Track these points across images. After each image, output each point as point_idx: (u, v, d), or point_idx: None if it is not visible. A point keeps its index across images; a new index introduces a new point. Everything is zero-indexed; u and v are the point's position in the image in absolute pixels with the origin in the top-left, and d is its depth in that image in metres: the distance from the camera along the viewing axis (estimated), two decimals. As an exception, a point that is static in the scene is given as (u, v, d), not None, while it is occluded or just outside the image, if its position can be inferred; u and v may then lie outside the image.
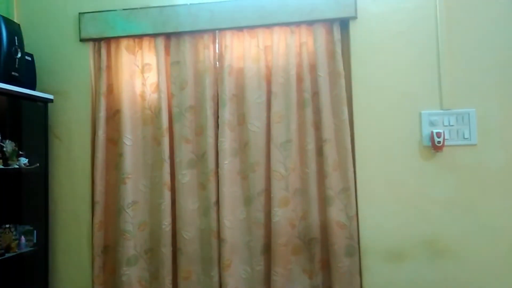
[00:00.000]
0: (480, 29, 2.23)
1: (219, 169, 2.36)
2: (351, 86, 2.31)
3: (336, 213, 2.25)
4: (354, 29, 2.31)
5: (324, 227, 2.28)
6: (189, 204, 2.38)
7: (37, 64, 2.48)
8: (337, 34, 2.31)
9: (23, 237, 2.29)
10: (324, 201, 2.29)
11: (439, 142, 2.16)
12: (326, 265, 2.28)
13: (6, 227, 2.23)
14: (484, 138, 2.19)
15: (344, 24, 2.34)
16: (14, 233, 2.26)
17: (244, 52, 2.40)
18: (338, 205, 2.26)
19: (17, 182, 2.39)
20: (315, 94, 2.34)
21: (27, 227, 2.34)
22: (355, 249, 2.24)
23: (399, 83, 2.27)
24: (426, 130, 2.22)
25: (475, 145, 2.19)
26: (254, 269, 2.33)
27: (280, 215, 2.28)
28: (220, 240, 2.32)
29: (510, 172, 2.17)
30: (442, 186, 2.21)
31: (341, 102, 2.28)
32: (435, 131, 2.18)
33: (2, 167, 2.19)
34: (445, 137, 2.18)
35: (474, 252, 2.17)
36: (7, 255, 2.18)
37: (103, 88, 2.47)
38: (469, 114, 2.20)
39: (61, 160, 2.50)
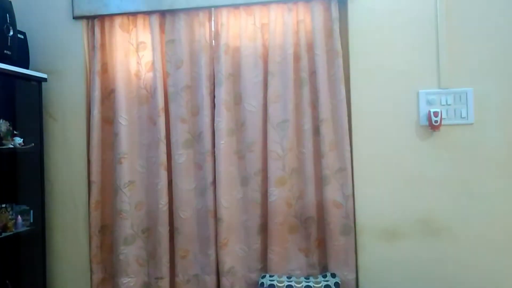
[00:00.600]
0: (480, 8, 2.19)
1: (215, 149, 2.35)
2: (349, 65, 2.29)
3: (332, 193, 2.26)
4: (352, 7, 2.27)
5: (321, 206, 2.29)
6: (185, 184, 2.38)
7: (29, 43, 2.44)
8: (335, 12, 2.27)
9: (19, 217, 2.29)
10: (320, 181, 2.29)
11: (436, 121, 2.16)
12: (322, 244, 2.31)
13: (2, 207, 2.23)
14: (481, 117, 2.18)
15: (342, 1, 2.30)
16: (11, 212, 2.27)
17: (240, 30, 2.36)
18: (334, 184, 2.27)
19: (12, 162, 2.38)
20: (313, 73, 2.31)
21: (24, 207, 2.35)
22: (351, 228, 2.25)
23: (397, 62, 2.25)
24: (424, 110, 2.22)
25: (472, 124, 2.19)
26: (250, 247, 2.35)
27: (277, 194, 2.29)
28: (217, 219, 2.32)
29: (506, 151, 2.17)
30: (439, 165, 2.21)
31: (339, 81, 2.26)
32: (432, 110, 2.17)
33: (-3, 146, 2.18)
34: (442, 117, 2.17)
35: (469, 231, 2.19)
36: (3, 234, 2.18)
37: (97, 67, 2.43)
38: (466, 93, 2.19)
39: (56, 140, 2.48)
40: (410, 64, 2.24)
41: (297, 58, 2.32)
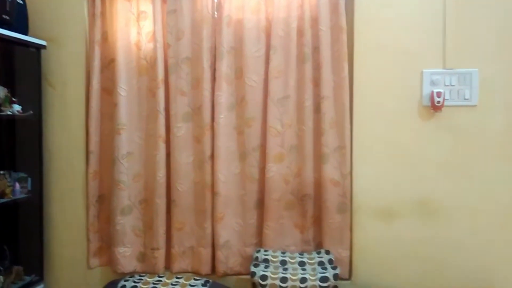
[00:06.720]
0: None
1: (214, 123, 2.33)
2: (353, 41, 2.24)
3: (330, 171, 2.26)
4: (359, -19, 2.22)
5: (318, 184, 2.30)
6: (184, 157, 2.37)
7: (29, 8, 2.39)
8: (341, -15, 2.22)
9: (17, 184, 2.29)
10: (319, 158, 2.28)
11: (438, 102, 2.13)
12: (318, 221, 2.32)
13: (0, 173, 2.23)
14: (485, 99, 2.15)
15: (349, -25, 2.24)
16: (9, 179, 2.27)
17: (243, 2, 2.31)
18: (332, 162, 2.26)
19: (10, 129, 2.37)
20: (316, 49, 2.28)
21: (22, 174, 2.35)
22: (347, 206, 2.26)
23: (403, 40, 2.21)
24: (427, 90, 2.18)
25: (475, 106, 2.16)
26: (246, 222, 2.36)
27: (275, 170, 2.29)
28: (214, 193, 2.33)
29: (508, 134, 2.15)
30: (439, 146, 2.19)
31: (342, 58, 2.23)
32: (435, 90, 2.14)
33: (-5, 113, 2.17)
34: (445, 97, 2.14)
35: (465, 214, 2.19)
36: (1, 201, 2.19)
37: (98, 36, 2.39)
38: (471, 74, 2.15)
39: (55, 109, 2.46)
40: (416, 43, 2.20)
41: (300, 32, 2.28)
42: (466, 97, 2.16)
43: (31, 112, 2.34)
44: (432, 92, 2.14)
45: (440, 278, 2.21)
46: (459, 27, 2.16)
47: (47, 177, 2.45)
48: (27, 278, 2.31)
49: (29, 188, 2.36)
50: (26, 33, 2.34)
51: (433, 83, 2.18)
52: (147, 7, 2.38)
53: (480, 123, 2.16)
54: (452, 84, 2.16)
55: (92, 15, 2.42)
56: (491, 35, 2.15)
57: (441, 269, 2.21)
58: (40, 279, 2.39)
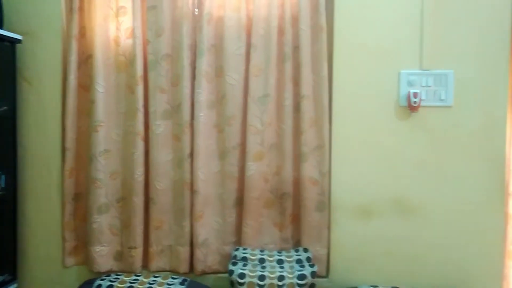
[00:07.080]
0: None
1: (194, 121, 2.32)
2: (333, 41, 2.26)
3: (309, 169, 2.27)
4: (339, -19, 2.24)
5: (297, 182, 2.31)
6: (162, 155, 2.35)
7: (4, 1, 2.33)
8: (321, -15, 2.23)
9: (-10, 181, 2.24)
10: (298, 157, 2.29)
11: (415, 102, 2.16)
12: (297, 219, 2.33)
13: (-28, 170, 2.17)
14: (460, 100, 2.20)
15: (329, -26, 2.26)
16: (-19, 176, 2.22)
17: (224, 0, 2.30)
18: (311, 161, 2.27)
19: (-17, 125, 2.31)
20: (296, 48, 2.28)
21: (-5, 171, 2.29)
22: (325, 205, 2.27)
23: (381, 41, 2.23)
24: (404, 90, 2.22)
25: (450, 106, 2.20)
26: (225, 220, 2.35)
27: (254, 169, 2.29)
28: (193, 191, 2.31)
29: (482, 134, 2.20)
30: (415, 146, 2.23)
31: (322, 57, 2.25)
32: (412, 91, 2.18)
33: (-33, 107, 2.10)
34: (422, 98, 2.18)
35: (441, 212, 2.23)
36: (-27, 197, 2.14)
37: (75, 30, 2.34)
38: (447, 75, 2.20)
39: (31, 104, 2.40)
40: (394, 44, 2.23)
41: (281, 31, 2.28)
42: (442, 98, 2.20)
43: (6, 107, 2.28)
44: (409, 92, 2.18)
45: (416, 276, 2.24)
46: (436, 29, 2.20)
47: (21, 174, 2.39)
48: (0, 278, 2.26)
49: (3, 185, 2.30)
50: (0, 27, 2.28)
51: (410, 83, 2.21)
52: (127, 3, 2.35)
53: (455, 123, 2.21)
54: (429, 85, 2.21)
55: (69, 10, 2.37)
56: (467, 37, 2.20)
57: (417, 267, 2.25)
58: (13, 278, 2.33)
